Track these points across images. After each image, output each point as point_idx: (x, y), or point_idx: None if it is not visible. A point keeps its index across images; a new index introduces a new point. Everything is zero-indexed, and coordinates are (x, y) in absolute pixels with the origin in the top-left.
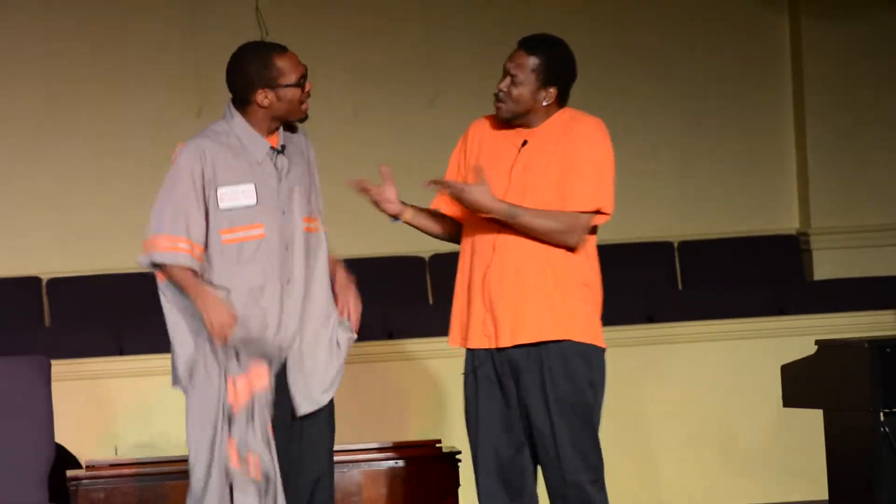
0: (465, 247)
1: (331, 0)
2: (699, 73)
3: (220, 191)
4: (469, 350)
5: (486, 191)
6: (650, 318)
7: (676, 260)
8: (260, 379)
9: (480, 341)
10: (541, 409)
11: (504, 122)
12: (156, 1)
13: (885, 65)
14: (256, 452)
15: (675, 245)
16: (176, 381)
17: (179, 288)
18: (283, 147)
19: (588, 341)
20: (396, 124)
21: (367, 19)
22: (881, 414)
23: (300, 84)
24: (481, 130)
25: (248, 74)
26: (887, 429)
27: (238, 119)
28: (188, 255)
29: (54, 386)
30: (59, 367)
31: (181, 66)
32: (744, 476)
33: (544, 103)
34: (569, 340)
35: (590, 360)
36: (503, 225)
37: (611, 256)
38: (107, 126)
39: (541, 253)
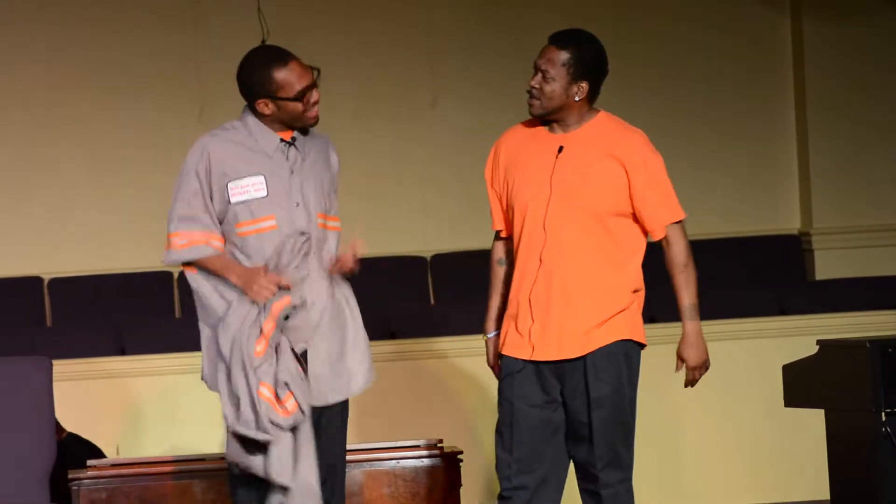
0: (518, 259)
1: (332, 2)
2: (701, 73)
3: (231, 185)
4: (510, 357)
5: (691, 345)
6: (651, 318)
7: None
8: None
9: (522, 352)
10: (581, 407)
11: (538, 118)
12: (157, 3)
13: (887, 66)
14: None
15: None
16: (204, 377)
17: (213, 273)
18: (294, 139)
19: (630, 337)
20: (396, 126)
21: (368, 21)
22: (882, 414)
23: (300, 97)
24: (512, 141)
25: (249, 84)
26: (889, 429)
27: (251, 117)
28: (206, 246)
29: (55, 386)
30: (59, 366)
31: (182, 67)
32: (744, 476)
33: (576, 98)
34: (614, 342)
35: (630, 358)
36: (548, 238)
37: None
38: (108, 127)
39: (591, 268)
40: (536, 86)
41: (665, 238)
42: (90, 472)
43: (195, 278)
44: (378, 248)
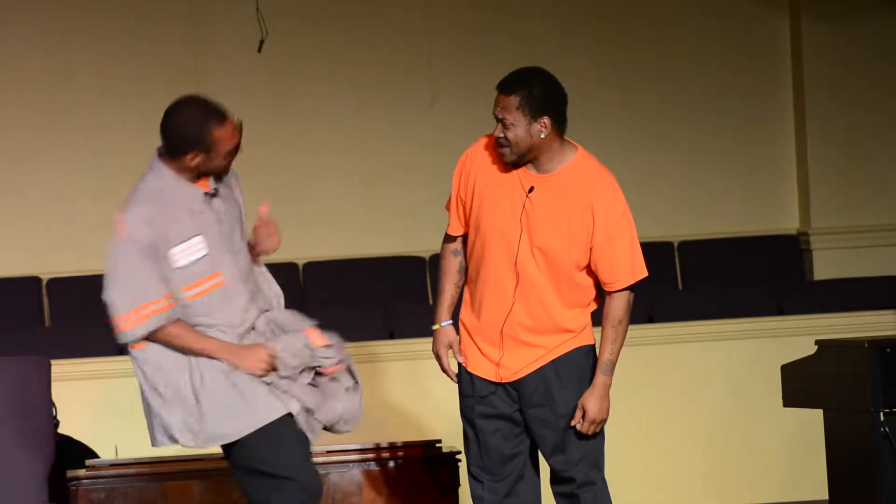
0: (478, 288)
1: (331, 1)
2: (700, 73)
3: (172, 252)
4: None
5: (594, 397)
6: (650, 318)
7: (676, 260)
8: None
9: (488, 374)
10: (548, 414)
11: (514, 165)
12: (157, 3)
13: (886, 65)
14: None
15: (675, 245)
16: (160, 442)
17: (175, 345)
18: (216, 191)
19: (585, 343)
20: (396, 125)
21: (368, 20)
22: (881, 414)
23: (231, 155)
24: (485, 158)
25: (184, 136)
26: (887, 429)
27: (167, 173)
28: (165, 312)
29: (54, 386)
30: (59, 366)
31: (181, 67)
32: (744, 476)
33: (542, 136)
34: (574, 349)
35: (588, 358)
36: (520, 279)
37: None
38: (106, 126)
39: (557, 308)
40: (501, 136)
41: (611, 294)
42: (89, 472)
43: (142, 356)
44: (377, 249)
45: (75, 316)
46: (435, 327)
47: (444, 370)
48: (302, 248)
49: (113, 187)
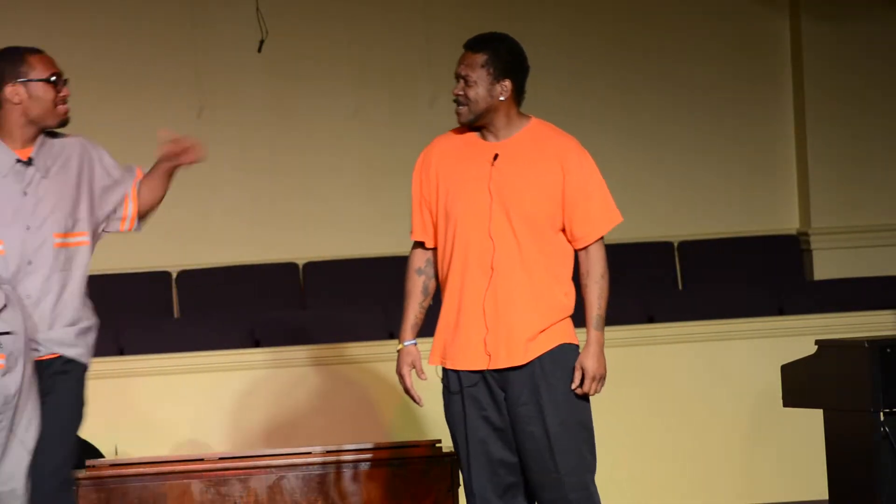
0: (455, 267)
1: (331, 1)
2: (699, 72)
3: None
4: (452, 370)
5: (591, 354)
6: (650, 318)
7: (676, 260)
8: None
9: (476, 363)
10: (533, 413)
11: (467, 125)
12: (156, 4)
13: (886, 65)
14: None
15: (675, 245)
16: None
17: None
18: (31, 159)
19: (570, 341)
20: (396, 125)
21: (368, 20)
22: (881, 414)
23: (53, 81)
24: (443, 149)
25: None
26: (887, 429)
27: None
28: None
29: None
30: None
31: (181, 67)
32: (743, 476)
33: (501, 98)
34: (559, 346)
35: (574, 360)
36: (496, 246)
37: (611, 256)
38: (106, 127)
39: (534, 277)
40: (461, 92)
41: (587, 249)
42: (89, 473)
43: None
44: (377, 249)
45: None
46: (398, 347)
47: (406, 391)
48: (302, 248)
49: None
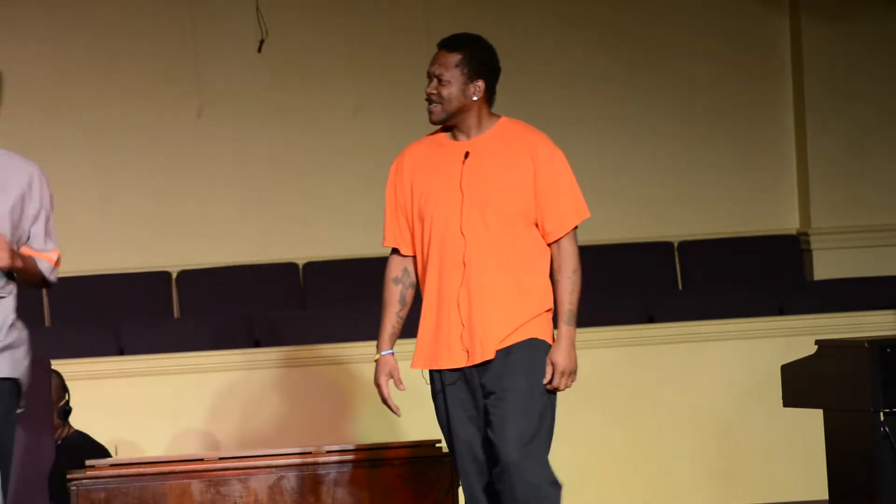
0: (432, 268)
1: (331, 1)
2: (699, 72)
3: None
4: (435, 370)
5: (561, 349)
6: (650, 318)
7: (676, 260)
8: None
9: (455, 360)
10: (495, 402)
11: (439, 123)
12: (156, 4)
13: (886, 65)
14: None
15: (675, 245)
16: None
17: None
18: None
19: (545, 339)
20: (396, 124)
21: (368, 19)
22: (881, 414)
23: None
24: (415, 154)
25: None
26: (887, 429)
27: None
28: None
29: None
30: (58, 367)
31: (181, 66)
32: (744, 476)
33: (474, 98)
34: (530, 338)
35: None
36: (468, 241)
37: (611, 256)
38: (107, 127)
39: (508, 272)
40: (434, 91)
41: (558, 242)
42: (89, 473)
43: None
44: (377, 249)
45: (75, 316)
46: (376, 357)
47: (384, 401)
48: (302, 248)
49: (112, 187)
